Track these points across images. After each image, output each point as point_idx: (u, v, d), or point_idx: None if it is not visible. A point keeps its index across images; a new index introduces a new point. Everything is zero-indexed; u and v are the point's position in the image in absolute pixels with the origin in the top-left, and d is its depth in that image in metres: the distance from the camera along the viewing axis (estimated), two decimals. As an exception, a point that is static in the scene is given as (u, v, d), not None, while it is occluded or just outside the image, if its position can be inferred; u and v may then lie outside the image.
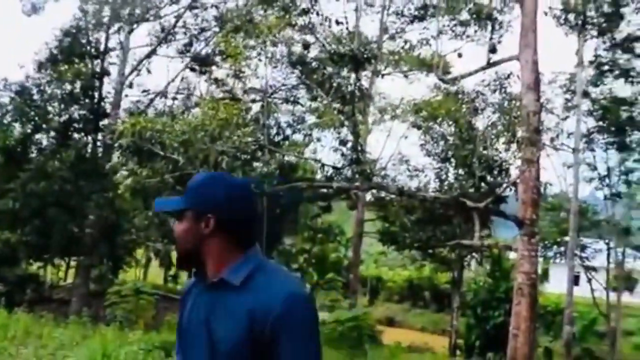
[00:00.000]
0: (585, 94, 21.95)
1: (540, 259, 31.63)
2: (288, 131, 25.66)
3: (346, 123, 12.05)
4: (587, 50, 20.88)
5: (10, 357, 9.91)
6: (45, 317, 15.05)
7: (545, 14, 18.70)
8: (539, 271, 33.14)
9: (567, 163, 23.76)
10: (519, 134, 13.51)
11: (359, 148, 12.36)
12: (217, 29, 23.47)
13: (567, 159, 23.68)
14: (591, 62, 21.72)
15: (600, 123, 23.07)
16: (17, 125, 24.51)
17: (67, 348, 10.86)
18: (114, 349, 10.03)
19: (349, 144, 12.30)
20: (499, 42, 16.93)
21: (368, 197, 26.33)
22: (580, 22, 19.35)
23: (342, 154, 12.74)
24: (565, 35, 20.47)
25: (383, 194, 24.42)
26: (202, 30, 25.44)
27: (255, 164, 18.54)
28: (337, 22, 14.22)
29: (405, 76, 24.14)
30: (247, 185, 2.09)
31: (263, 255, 2.03)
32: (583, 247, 26.31)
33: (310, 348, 1.87)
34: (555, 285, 33.30)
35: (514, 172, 16.77)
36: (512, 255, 18.56)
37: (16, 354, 10.15)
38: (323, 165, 13.87)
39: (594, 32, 20.34)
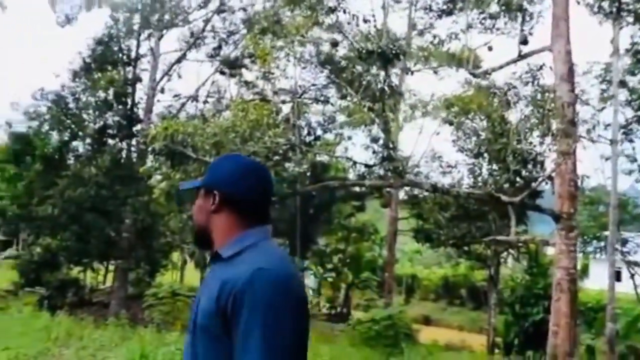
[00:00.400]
0: (622, 84, 21.42)
1: (580, 255, 31.13)
2: (319, 131, 25.73)
3: (377, 120, 11.97)
4: (622, 38, 20.38)
5: (53, 358, 10.09)
6: (86, 320, 15.32)
7: (578, 2, 18.33)
8: (578, 267, 32.64)
9: (605, 155, 23.19)
10: (554, 126, 13.26)
11: (391, 145, 12.28)
12: (245, 32, 23.61)
13: (605, 151, 23.13)
14: (627, 50, 21.22)
15: (639, 113, 22.54)
16: (54, 133, 25.03)
17: (107, 349, 11.03)
18: (152, 350, 10.13)
19: (380, 141, 12.21)
20: (530, 33, 16.68)
21: (401, 195, 26.16)
22: (615, 9, 18.90)
23: (374, 152, 12.66)
24: (599, 23, 20.02)
25: (416, 191, 24.25)
26: (231, 33, 25.64)
27: (287, 164, 18.61)
28: (365, 20, 14.13)
29: (435, 72, 23.97)
30: (255, 164, 2.11)
31: (269, 237, 2.00)
32: (624, 242, 25.71)
33: (266, 328, 1.71)
34: (596, 282, 32.71)
35: (549, 166, 16.48)
36: (549, 251, 18.28)
37: (58, 355, 10.33)
38: (355, 163, 13.80)
39: (630, 19, 19.84)
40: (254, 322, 1.72)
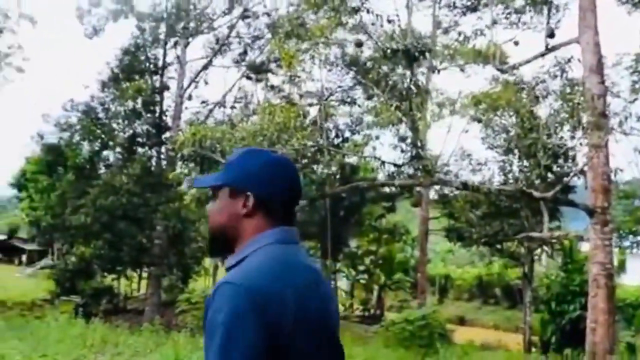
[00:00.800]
0: (654, 74, 21.04)
1: (616, 250, 30.60)
2: (347, 133, 25.69)
3: (404, 119, 11.91)
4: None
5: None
6: (121, 327, 15.48)
7: (605, -6, 18.03)
8: (615, 262, 32.09)
9: (639, 148, 22.80)
10: (584, 119, 13.05)
11: (419, 143, 12.20)
12: (270, 37, 23.72)
13: (638, 143, 22.74)
14: (658, 41, 20.84)
15: (672, 103, 22.07)
16: (85, 143, 25.42)
17: (142, 355, 11.12)
18: (186, 355, 10.20)
19: (408, 140, 12.14)
20: (557, 27, 16.46)
21: (432, 194, 26.01)
22: (644, -2, 18.55)
23: (402, 151, 12.60)
24: (628, 14, 19.68)
25: (447, 190, 24.10)
26: (256, 38, 25.80)
27: (316, 166, 18.61)
28: (389, 21, 14.08)
29: (462, 70, 23.74)
30: (284, 159, 1.89)
31: (283, 239, 1.76)
32: (661, 235, 25.24)
33: (211, 347, 1.54)
34: (634, 278, 32.15)
35: (581, 160, 16.24)
36: (584, 247, 17.98)
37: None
38: (383, 162, 13.73)
39: (660, 9, 19.47)
40: (207, 346, 1.57)
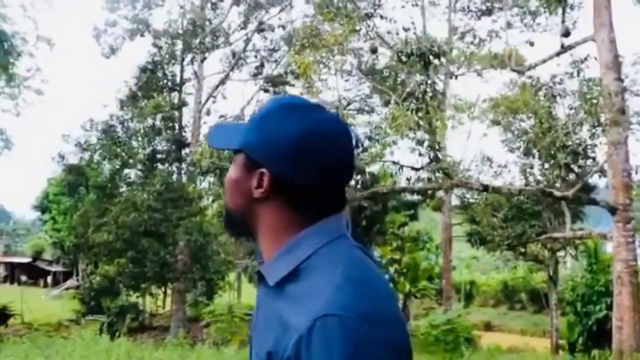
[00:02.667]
0: (672, 72, 20.92)
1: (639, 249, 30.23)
2: (367, 142, 25.74)
3: (421, 123, 11.95)
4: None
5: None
6: (146, 342, 15.56)
7: (620, -8, 17.98)
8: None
9: (660, 146, 22.59)
10: (603, 117, 13.01)
11: (437, 146, 12.22)
12: (286, 48, 23.90)
13: (660, 141, 22.54)
14: (675, 38, 20.72)
15: (691, 100, 21.90)
16: (105, 162, 25.68)
17: (167, 367, 11.17)
18: (211, 365, 10.22)
19: (426, 143, 12.17)
20: (574, 27, 16.44)
21: (454, 201, 25.95)
22: (659, -4, 18.45)
23: (420, 154, 12.62)
24: (643, 12, 19.62)
25: (468, 195, 24.01)
26: (272, 51, 26.01)
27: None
28: (405, 29, 14.17)
29: (479, 75, 23.76)
30: (337, 125, 1.29)
31: (341, 234, 1.28)
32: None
33: None
34: (661, 276, 31.71)
35: (601, 159, 16.14)
36: (609, 249, 17.82)
37: (119, 375, 10.51)
38: (402, 167, 13.77)
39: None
40: None
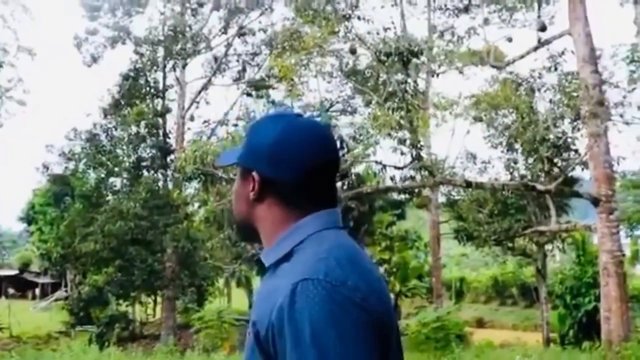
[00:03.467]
0: (651, 62, 21.10)
1: (628, 240, 30.43)
2: (352, 143, 25.77)
3: (402, 122, 11.99)
4: (646, 17, 20.10)
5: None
6: (135, 351, 15.50)
7: (595, -14, 18.12)
8: (628, 253, 31.87)
9: (641, 137, 22.76)
10: (583, 109, 13.11)
11: (418, 145, 12.26)
12: (267, 52, 23.90)
13: (641, 132, 22.70)
14: (652, 29, 20.91)
15: (671, 90, 22.07)
16: (90, 171, 25.57)
17: (156, 375, 11.13)
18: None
19: (407, 142, 12.20)
20: (551, 22, 16.55)
21: (440, 199, 26.02)
22: (633, -12, 18.62)
23: (402, 153, 12.66)
24: (620, 5, 19.78)
25: (454, 192, 24.09)
26: (254, 55, 25.99)
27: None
28: (385, 29, 14.20)
29: (461, 72, 23.80)
30: (311, 125, 1.48)
31: (333, 224, 1.42)
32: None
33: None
34: (650, 267, 31.98)
35: (583, 152, 16.27)
36: (596, 240, 17.94)
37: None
38: (384, 166, 13.81)
39: (651, -3, 19.56)
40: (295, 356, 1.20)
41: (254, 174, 1.43)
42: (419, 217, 38.81)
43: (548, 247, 23.53)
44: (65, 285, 41.17)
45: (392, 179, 13.62)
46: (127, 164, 24.61)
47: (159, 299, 28.56)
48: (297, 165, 1.41)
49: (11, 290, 49.25)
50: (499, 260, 32.18)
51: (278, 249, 1.41)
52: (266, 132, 1.45)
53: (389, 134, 12.97)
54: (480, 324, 36.15)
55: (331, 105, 24.41)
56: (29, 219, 44.33)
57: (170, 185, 24.50)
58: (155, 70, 25.28)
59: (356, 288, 1.25)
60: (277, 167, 1.41)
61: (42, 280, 47.81)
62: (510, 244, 23.46)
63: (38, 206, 39.60)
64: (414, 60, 12.17)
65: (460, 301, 42.71)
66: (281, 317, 1.23)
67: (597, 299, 15.35)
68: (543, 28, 13.67)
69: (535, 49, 13.68)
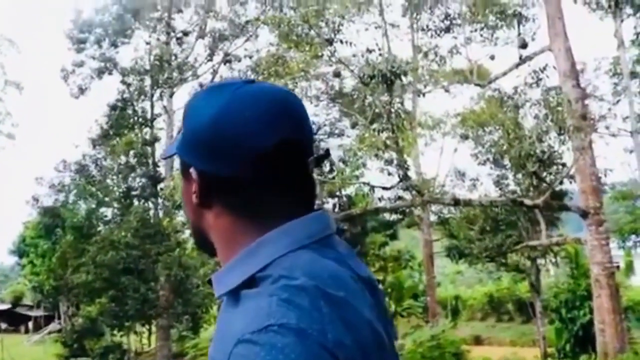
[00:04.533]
0: (633, 75, 21.40)
1: (621, 251, 30.53)
2: (341, 165, 25.88)
3: (388, 142, 12.08)
4: (625, 30, 20.42)
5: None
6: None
7: (575, 1, 18.41)
8: (622, 264, 31.92)
9: (628, 148, 22.98)
10: (567, 124, 13.25)
11: (405, 165, 12.34)
12: (254, 77, 24.02)
13: (628, 144, 22.92)
14: (633, 42, 21.21)
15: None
16: (81, 202, 25.54)
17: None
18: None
19: (394, 162, 12.28)
20: (533, 38, 16.76)
21: (432, 217, 26.11)
22: (612, 3, 18.92)
23: (389, 174, 12.73)
24: (600, 19, 20.11)
25: (445, 210, 24.17)
26: (240, 81, 26.08)
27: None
28: (369, 50, 14.33)
29: (447, 91, 24.04)
30: (270, 91, 1.05)
31: (312, 240, 1.01)
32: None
33: None
34: (644, 278, 32.03)
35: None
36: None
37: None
38: (372, 187, 13.87)
39: (629, 11, 19.88)
40: None
41: (192, 170, 1.03)
42: (411, 237, 38.80)
43: (541, 261, 23.58)
44: (59, 318, 40.78)
45: (380, 199, 13.65)
46: (117, 193, 24.60)
47: (153, 328, 28.36)
48: (244, 153, 0.97)
49: (4, 325, 48.76)
50: (493, 276, 32.23)
51: (230, 275, 1.01)
52: (202, 110, 1.03)
53: (376, 155, 13.03)
54: (477, 341, 35.97)
55: (319, 129, 24.53)
56: (20, 252, 44.09)
57: (161, 214, 24.45)
58: (143, 100, 25.36)
59: (338, 343, 0.88)
60: (215, 158, 1.00)
61: (35, 313, 47.40)
62: (503, 260, 23.51)
63: (29, 239, 39.40)
64: (399, 80, 12.29)
65: (456, 319, 42.57)
66: None
67: (592, 311, 15.38)
68: (524, 45, 13.86)
69: (517, 65, 13.85)
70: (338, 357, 0.87)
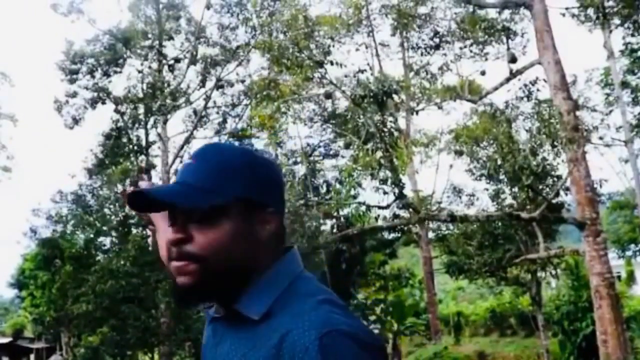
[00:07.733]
0: (624, 84, 21.55)
1: (621, 261, 30.50)
2: (338, 186, 25.91)
3: (382, 161, 12.13)
4: (615, 40, 20.64)
5: None
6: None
7: (563, 15, 18.55)
8: (623, 274, 31.90)
9: (623, 158, 23.08)
10: (560, 135, 13.31)
11: (399, 183, 12.37)
12: (247, 102, 24.14)
13: (622, 153, 23.03)
14: (622, 52, 21.39)
15: (646, 110, 22.49)
16: (79, 232, 25.49)
17: None
18: None
19: (389, 181, 12.32)
20: (524, 53, 16.89)
21: (430, 234, 26.13)
22: (600, 14, 19.08)
23: (384, 193, 12.76)
24: (589, 31, 20.29)
25: (443, 227, 24.16)
26: (233, 105, 26.20)
27: (308, 223, 18.68)
28: (361, 71, 14.44)
29: (440, 108, 24.16)
30: (262, 155, 1.35)
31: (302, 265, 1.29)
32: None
33: None
34: (646, 287, 31.93)
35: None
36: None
37: None
38: (369, 207, 13.90)
39: (617, 21, 20.05)
40: None
41: (271, 208, 1.22)
42: (411, 255, 38.82)
43: (541, 274, 23.54)
44: (60, 349, 40.48)
45: (377, 218, 13.67)
46: (114, 222, 24.55)
47: (155, 356, 28.19)
48: (279, 189, 1.27)
49: (5, 359, 48.41)
50: (494, 291, 32.12)
51: (264, 295, 1.17)
52: (235, 157, 1.23)
53: (372, 175, 13.06)
54: (482, 357, 35.77)
55: (313, 150, 24.60)
56: (19, 285, 43.92)
57: (159, 241, 24.38)
58: (137, 128, 25.43)
59: (371, 334, 1.14)
60: (269, 194, 1.24)
61: (36, 345, 47.05)
62: (503, 274, 23.47)
63: (28, 271, 39.24)
64: (391, 99, 12.37)
65: (459, 335, 42.39)
66: None
67: (594, 322, 15.33)
68: (513, 60, 13.97)
69: (508, 80, 13.94)
70: (381, 347, 1.16)
